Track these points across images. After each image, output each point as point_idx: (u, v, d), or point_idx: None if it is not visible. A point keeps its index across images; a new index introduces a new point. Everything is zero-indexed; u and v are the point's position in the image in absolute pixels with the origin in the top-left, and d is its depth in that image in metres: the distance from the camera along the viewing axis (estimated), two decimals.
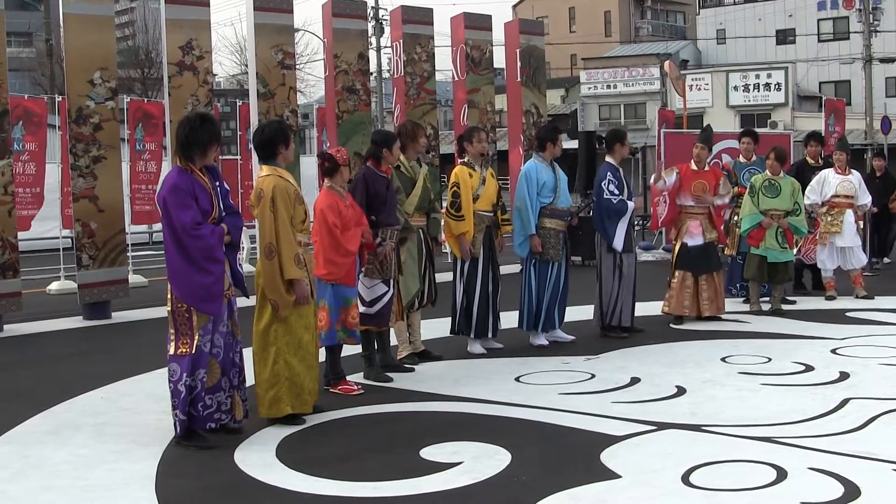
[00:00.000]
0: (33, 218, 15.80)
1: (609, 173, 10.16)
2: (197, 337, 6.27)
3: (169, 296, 6.36)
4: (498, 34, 17.96)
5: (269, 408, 6.80)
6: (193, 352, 6.27)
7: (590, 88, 57.62)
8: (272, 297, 6.70)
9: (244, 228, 18.83)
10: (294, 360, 6.81)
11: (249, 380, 6.87)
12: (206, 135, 6.38)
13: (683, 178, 10.87)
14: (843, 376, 7.98)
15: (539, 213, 9.57)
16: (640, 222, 20.35)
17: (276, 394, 6.78)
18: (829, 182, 12.58)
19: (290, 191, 6.80)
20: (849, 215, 12.59)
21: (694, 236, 10.80)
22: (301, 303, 6.78)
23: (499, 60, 19.34)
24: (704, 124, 16.64)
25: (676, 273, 10.79)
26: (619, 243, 10.07)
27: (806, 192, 12.58)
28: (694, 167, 10.98)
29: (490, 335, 9.47)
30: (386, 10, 43.39)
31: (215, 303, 6.32)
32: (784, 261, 11.38)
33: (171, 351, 6.33)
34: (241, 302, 6.80)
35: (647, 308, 10.92)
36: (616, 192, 10.07)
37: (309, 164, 22.17)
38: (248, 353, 6.90)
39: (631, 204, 10.18)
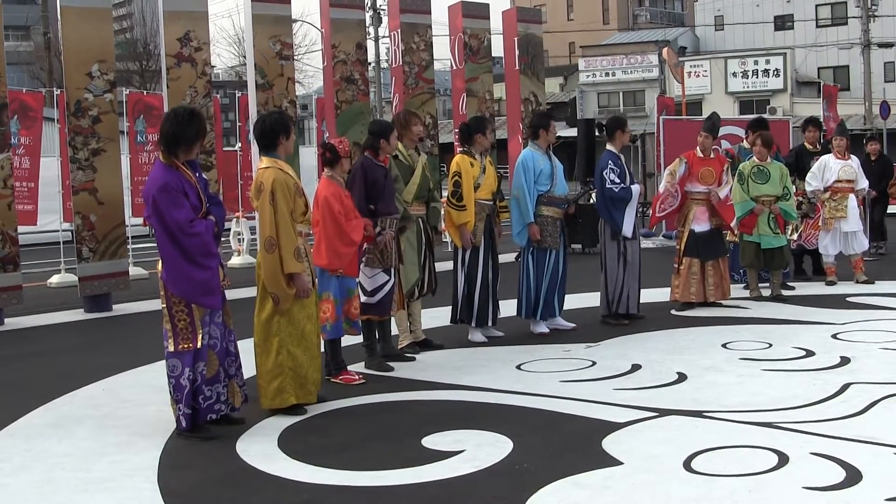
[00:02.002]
0: (32, 212, 15.76)
1: (610, 161, 10.16)
2: (200, 332, 6.27)
3: (163, 293, 6.35)
4: (496, 22, 17.96)
5: (272, 399, 6.80)
6: (199, 346, 6.28)
7: (588, 76, 57.57)
8: (273, 291, 6.70)
9: (245, 220, 18.88)
10: (297, 350, 6.81)
11: (248, 370, 6.88)
12: (194, 131, 6.34)
13: (691, 164, 10.88)
14: (844, 361, 7.99)
15: (536, 201, 9.57)
16: (641, 209, 20.35)
17: (280, 384, 6.78)
18: (831, 167, 12.56)
19: (289, 183, 6.79)
20: (852, 200, 12.58)
21: (701, 222, 10.82)
22: (301, 296, 6.78)
23: (497, 49, 19.33)
24: (706, 111, 16.64)
25: (683, 260, 10.80)
26: (628, 230, 10.08)
27: (807, 178, 12.59)
28: (700, 154, 10.99)
29: (490, 323, 9.48)
30: None
31: (215, 296, 6.33)
32: (778, 246, 11.39)
33: (171, 348, 6.31)
34: (239, 293, 6.81)
35: (648, 295, 10.91)
36: (617, 180, 10.07)
37: (308, 155, 22.19)
38: (248, 344, 6.92)
39: (636, 189, 10.20)
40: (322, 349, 7.34)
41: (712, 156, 11.09)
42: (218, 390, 6.45)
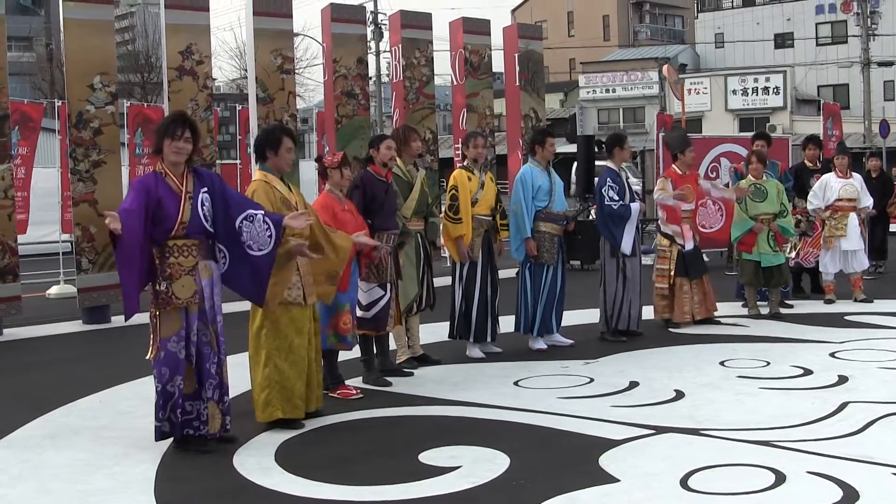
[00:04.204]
0: (23, 221, 15.74)
1: (609, 178, 10.17)
2: (161, 341, 6.22)
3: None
4: (497, 39, 17.98)
5: (262, 411, 6.79)
6: (162, 357, 6.21)
7: (588, 93, 57.70)
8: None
9: None
10: (284, 364, 6.77)
11: (240, 389, 6.87)
12: (161, 124, 6.41)
13: (674, 183, 10.90)
14: (842, 380, 7.99)
15: (534, 216, 9.59)
16: (640, 226, 20.38)
17: (268, 397, 6.75)
18: (832, 186, 12.53)
19: (274, 196, 6.77)
20: (853, 218, 12.56)
21: (687, 240, 10.84)
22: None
23: (498, 65, 19.37)
24: (706, 129, 16.69)
25: (676, 280, 10.80)
26: (627, 247, 10.10)
27: (808, 197, 12.58)
28: (679, 171, 11.01)
29: (489, 339, 9.48)
30: (385, 14, 43.50)
31: (126, 301, 6.18)
32: (777, 264, 11.40)
33: (147, 355, 6.34)
34: (236, 307, 6.78)
35: (646, 312, 10.90)
36: (616, 197, 10.08)
37: (308, 169, 22.20)
38: (244, 358, 6.92)
39: (635, 206, 10.20)
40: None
41: (688, 172, 11.11)
42: (198, 408, 6.34)
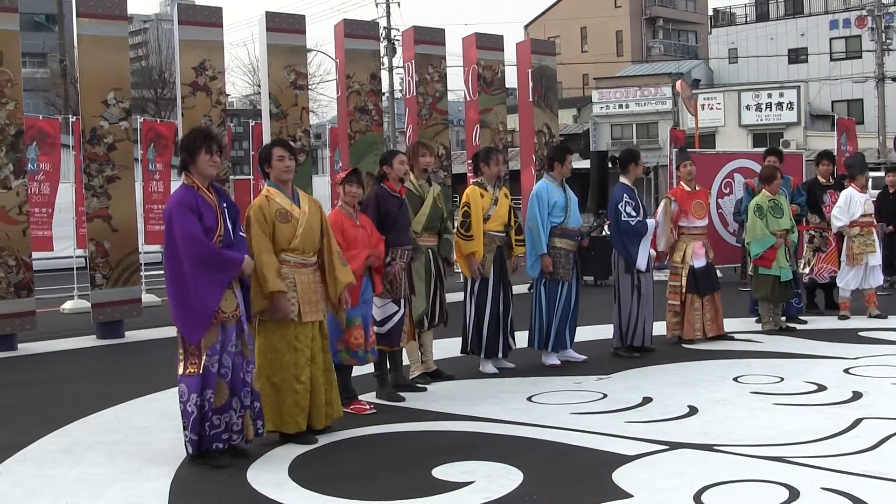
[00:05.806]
0: (48, 238, 15.81)
1: (625, 194, 10.17)
2: (204, 357, 6.27)
3: None
4: (510, 54, 18.04)
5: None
6: (201, 372, 6.28)
7: (602, 108, 57.61)
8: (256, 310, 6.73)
9: None
10: (275, 378, 6.82)
11: None
12: (193, 139, 6.45)
13: (681, 201, 10.91)
14: (856, 396, 7.96)
15: (550, 232, 9.59)
16: None
17: (261, 407, 6.79)
18: (857, 202, 12.43)
19: (270, 209, 6.81)
20: (874, 233, 12.56)
21: (699, 257, 10.85)
22: (277, 318, 6.77)
23: (511, 80, 19.41)
24: (719, 144, 16.69)
25: (687, 297, 10.80)
26: (642, 263, 10.10)
27: (834, 213, 12.46)
28: (686, 188, 11.03)
29: (500, 355, 9.47)
30: (398, 30, 43.62)
31: (196, 328, 6.24)
32: (789, 279, 11.40)
33: (180, 371, 6.35)
34: None
35: (659, 328, 10.89)
36: (633, 213, 10.09)
37: (321, 185, 22.25)
38: None
39: (651, 222, 10.22)
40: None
41: (697, 188, 11.13)
42: (227, 420, 6.41)
